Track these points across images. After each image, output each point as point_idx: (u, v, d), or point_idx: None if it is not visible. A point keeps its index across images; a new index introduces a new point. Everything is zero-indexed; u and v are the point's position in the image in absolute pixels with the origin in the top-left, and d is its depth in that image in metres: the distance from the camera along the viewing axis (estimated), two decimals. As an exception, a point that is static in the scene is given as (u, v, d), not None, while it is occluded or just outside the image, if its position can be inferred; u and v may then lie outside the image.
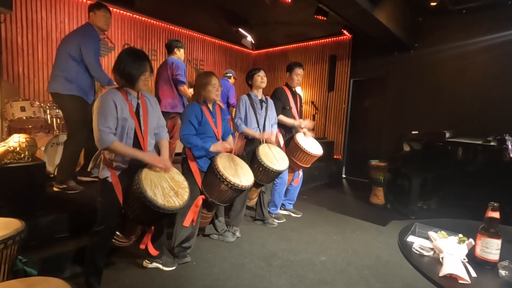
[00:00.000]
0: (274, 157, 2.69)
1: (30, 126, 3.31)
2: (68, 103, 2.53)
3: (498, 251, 1.14)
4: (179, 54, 3.34)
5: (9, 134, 2.75)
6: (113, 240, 1.92)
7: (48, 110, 3.26)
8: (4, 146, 2.05)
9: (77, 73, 2.52)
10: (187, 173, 2.19)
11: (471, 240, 1.24)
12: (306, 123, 3.13)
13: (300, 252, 2.53)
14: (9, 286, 1.06)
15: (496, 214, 1.16)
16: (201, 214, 2.36)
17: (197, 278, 2.07)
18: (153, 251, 2.03)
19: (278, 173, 2.66)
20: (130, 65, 1.70)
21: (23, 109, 2.98)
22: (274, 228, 3.05)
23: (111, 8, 2.78)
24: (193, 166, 2.21)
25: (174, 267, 2.15)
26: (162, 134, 1.97)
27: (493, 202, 1.18)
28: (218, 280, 2.06)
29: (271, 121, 2.91)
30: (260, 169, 2.59)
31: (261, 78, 2.79)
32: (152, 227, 1.95)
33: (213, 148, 2.16)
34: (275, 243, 2.69)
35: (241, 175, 2.21)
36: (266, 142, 2.80)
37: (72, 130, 2.58)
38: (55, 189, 2.68)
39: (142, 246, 2.01)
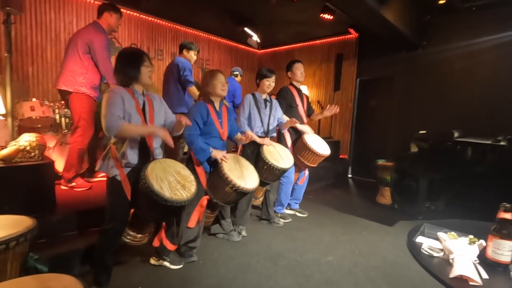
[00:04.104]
0: (279, 155, 2.69)
1: (39, 126, 3.35)
2: (75, 100, 2.56)
3: (510, 253, 1.12)
4: (187, 55, 3.32)
5: (19, 133, 2.79)
6: (127, 240, 1.92)
7: (57, 110, 3.32)
8: (15, 145, 2.09)
9: (86, 71, 2.54)
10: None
11: (482, 241, 1.22)
12: (307, 129, 3.08)
13: (306, 252, 2.52)
14: (22, 282, 1.08)
15: (508, 215, 1.14)
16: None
17: (203, 277, 2.08)
18: (170, 246, 2.02)
19: (283, 171, 2.66)
20: (128, 61, 1.75)
21: (32, 108, 3.03)
22: (280, 227, 3.05)
23: (117, 8, 2.79)
24: (198, 167, 2.22)
25: (181, 265, 2.17)
26: None
27: (505, 203, 1.16)
28: (225, 279, 2.06)
29: (275, 120, 2.91)
30: (265, 167, 2.58)
31: (268, 83, 2.78)
32: (164, 224, 1.95)
33: (214, 153, 2.16)
34: (281, 243, 2.69)
35: (246, 177, 2.21)
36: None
37: (79, 127, 2.60)
38: (63, 187, 2.72)
39: (156, 244, 2.01)
